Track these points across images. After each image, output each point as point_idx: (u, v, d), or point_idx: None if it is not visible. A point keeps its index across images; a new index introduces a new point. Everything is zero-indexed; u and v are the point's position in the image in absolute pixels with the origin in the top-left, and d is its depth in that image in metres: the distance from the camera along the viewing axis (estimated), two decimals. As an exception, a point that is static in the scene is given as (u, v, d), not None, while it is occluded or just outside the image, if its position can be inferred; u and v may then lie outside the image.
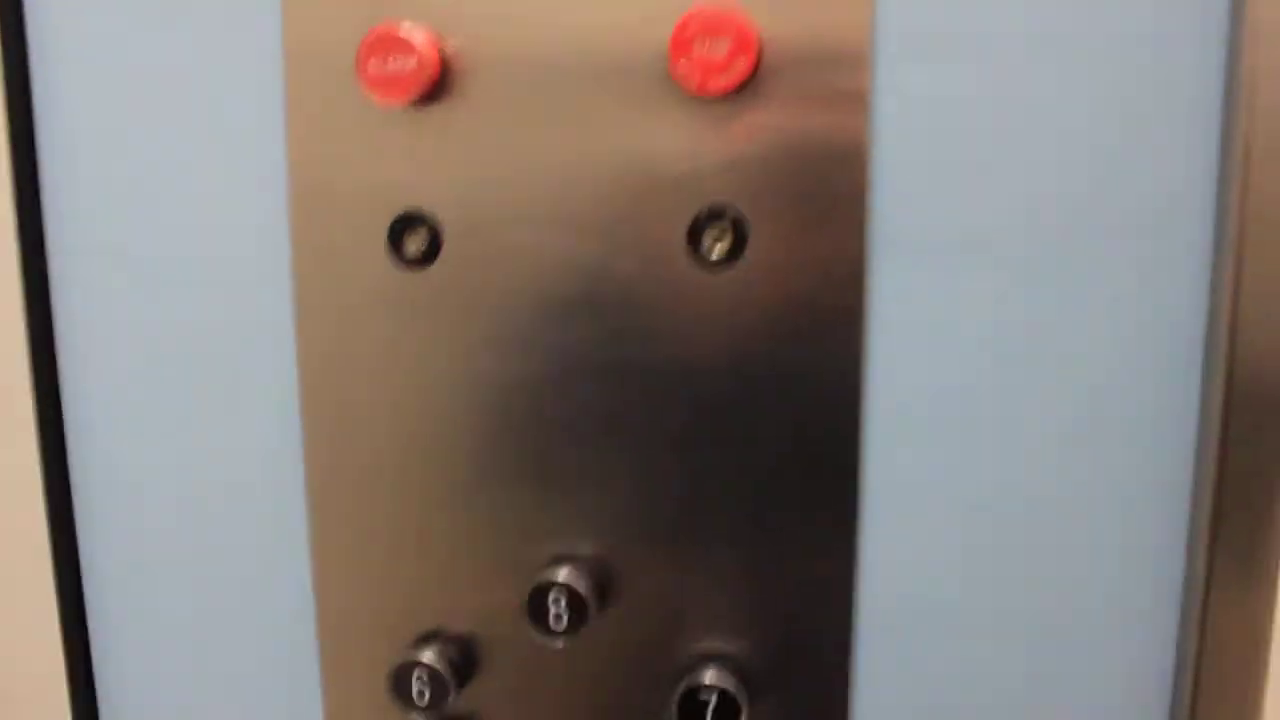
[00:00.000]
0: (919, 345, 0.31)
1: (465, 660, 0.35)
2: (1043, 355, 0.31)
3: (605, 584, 0.33)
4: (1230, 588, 0.31)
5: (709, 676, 0.32)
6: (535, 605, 0.32)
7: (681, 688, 0.33)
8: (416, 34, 0.31)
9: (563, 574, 0.33)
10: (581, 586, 0.32)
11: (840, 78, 0.30)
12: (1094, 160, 0.30)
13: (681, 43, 0.29)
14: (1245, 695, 0.32)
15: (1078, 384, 0.31)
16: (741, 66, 0.29)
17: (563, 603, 0.32)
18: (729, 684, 0.32)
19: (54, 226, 0.35)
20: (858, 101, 0.30)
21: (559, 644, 0.33)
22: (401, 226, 0.33)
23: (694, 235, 0.31)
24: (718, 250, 0.31)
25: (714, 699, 0.32)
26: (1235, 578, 0.31)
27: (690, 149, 0.31)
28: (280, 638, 0.37)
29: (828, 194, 0.31)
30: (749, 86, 0.30)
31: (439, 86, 0.31)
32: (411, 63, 0.31)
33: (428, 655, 0.34)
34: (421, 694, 0.34)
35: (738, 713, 0.32)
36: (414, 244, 0.33)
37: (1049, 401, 0.31)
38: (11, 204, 0.35)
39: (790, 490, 0.32)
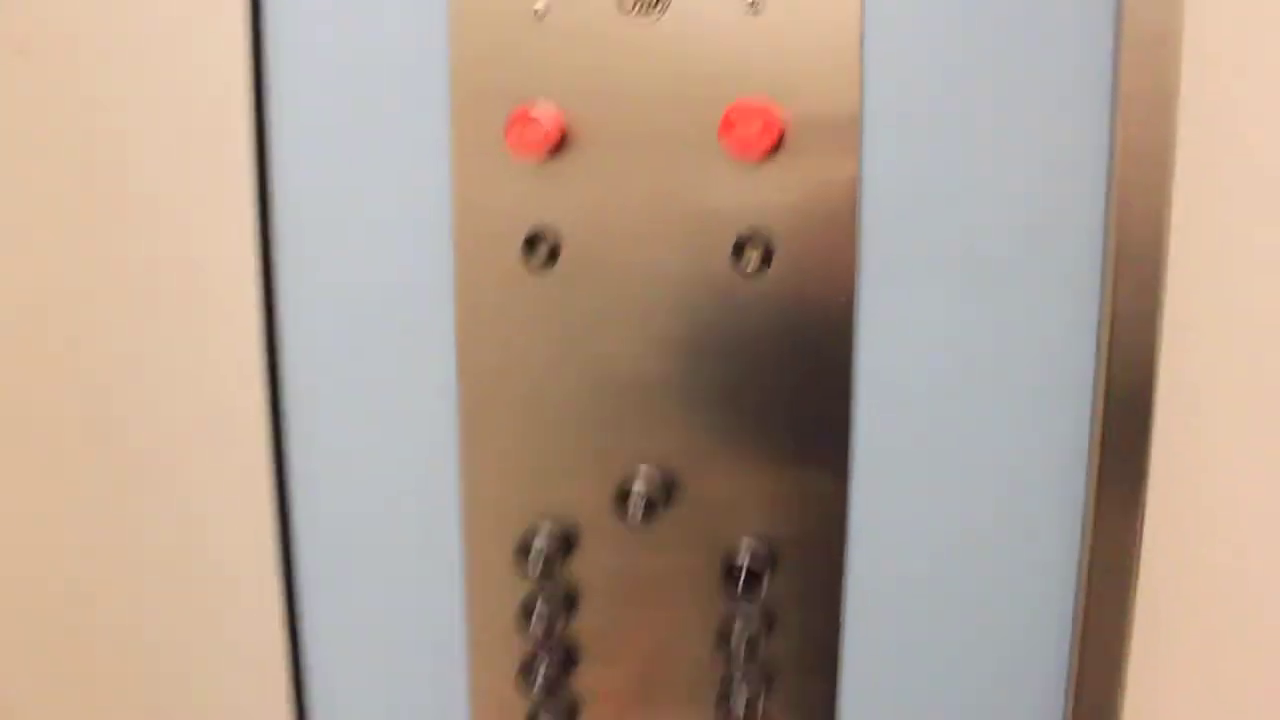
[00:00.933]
0: (894, 334, 0.45)
1: (568, 541, 0.50)
2: (976, 345, 0.45)
3: (670, 488, 0.48)
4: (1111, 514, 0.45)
5: (742, 552, 0.47)
6: (620, 501, 0.47)
7: (722, 561, 0.48)
8: (546, 111, 0.45)
9: (640, 482, 0.48)
10: (653, 490, 0.47)
11: (838, 143, 0.44)
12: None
13: (727, 125, 0.43)
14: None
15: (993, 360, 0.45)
16: (768, 141, 0.43)
17: (640, 502, 0.47)
18: (755, 556, 0.47)
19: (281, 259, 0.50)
20: (850, 156, 0.44)
21: (636, 529, 0.48)
22: (531, 241, 0.47)
23: (736, 253, 0.45)
24: (752, 264, 0.45)
25: (745, 567, 0.47)
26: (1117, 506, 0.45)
27: (734, 194, 0.45)
28: (431, 533, 0.52)
29: (830, 224, 0.45)
30: (775, 152, 0.44)
31: (560, 146, 0.46)
32: (541, 132, 0.45)
33: (543, 533, 0.49)
34: (535, 564, 0.49)
35: (760, 578, 0.47)
36: (539, 254, 0.47)
37: (974, 371, 0.45)
38: (254, 244, 0.49)
39: (800, 428, 0.47)
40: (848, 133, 0.44)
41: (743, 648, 0.48)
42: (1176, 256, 0.43)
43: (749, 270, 0.45)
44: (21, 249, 0.53)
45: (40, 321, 0.53)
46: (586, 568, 0.50)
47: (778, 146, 0.44)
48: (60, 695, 0.55)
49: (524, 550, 0.49)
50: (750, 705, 0.49)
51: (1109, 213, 0.43)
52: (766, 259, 0.45)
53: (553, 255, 0.47)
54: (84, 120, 0.51)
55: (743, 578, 0.47)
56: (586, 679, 0.51)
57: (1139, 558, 0.45)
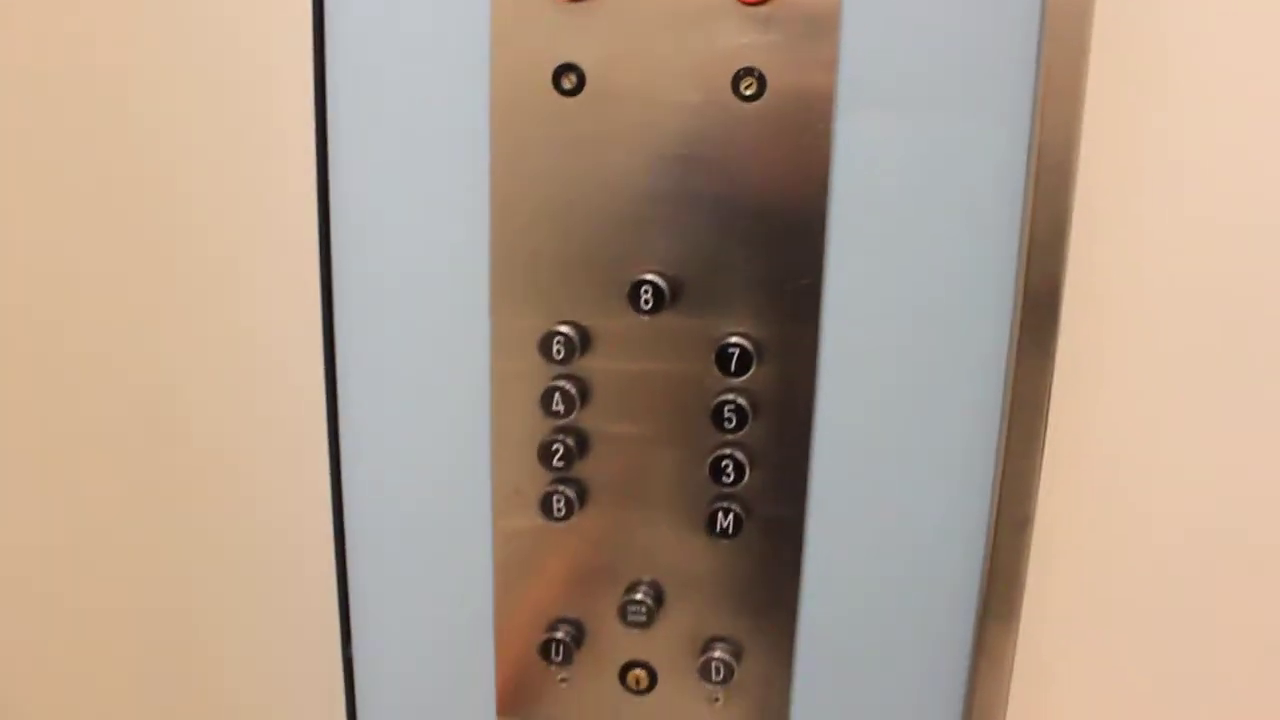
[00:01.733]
0: (864, 154, 0.55)
1: (583, 338, 0.58)
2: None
3: (674, 287, 0.57)
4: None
5: (733, 340, 0.56)
6: (633, 293, 0.56)
7: (716, 348, 0.57)
8: (581, -43, 0.54)
9: (649, 279, 0.56)
10: (661, 284, 0.56)
11: (823, -7, 0.54)
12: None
13: (735, -29, 0.53)
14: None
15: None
16: (768, -15, 0.53)
17: (649, 292, 0.56)
18: (745, 343, 0.56)
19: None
20: (833, 2, 0.54)
21: (645, 320, 0.57)
22: (560, 71, 0.56)
23: (735, 82, 0.54)
24: (750, 91, 0.54)
25: (737, 353, 0.56)
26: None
27: (735, 34, 0.54)
28: (461, 333, 0.60)
29: (814, 60, 0.54)
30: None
31: (591, -11, 0.54)
32: (576, -26, 0.54)
33: (564, 328, 0.58)
34: (558, 352, 0.58)
35: (750, 363, 0.56)
36: (568, 81, 0.56)
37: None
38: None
39: (784, 234, 0.56)
40: (830, -18, 0.53)
41: (732, 422, 0.57)
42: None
43: (746, 96, 0.54)
44: (82, 241, 0.59)
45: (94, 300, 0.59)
46: (599, 361, 0.58)
47: (773, -6, 0.53)
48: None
49: (547, 342, 0.57)
50: (738, 475, 0.57)
51: (1040, 49, 0.52)
52: (761, 88, 0.54)
53: (579, 85, 0.56)
54: (139, 107, 0.57)
55: (734, 361, 0.56)
56: (597, 464, 0.60)
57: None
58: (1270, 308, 0.55)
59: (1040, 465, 0.55)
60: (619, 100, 0.56)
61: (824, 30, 0.54)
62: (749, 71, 0.54)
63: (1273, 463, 0.57)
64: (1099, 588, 0.60)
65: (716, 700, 0.63)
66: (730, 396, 0.57)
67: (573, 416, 0.59)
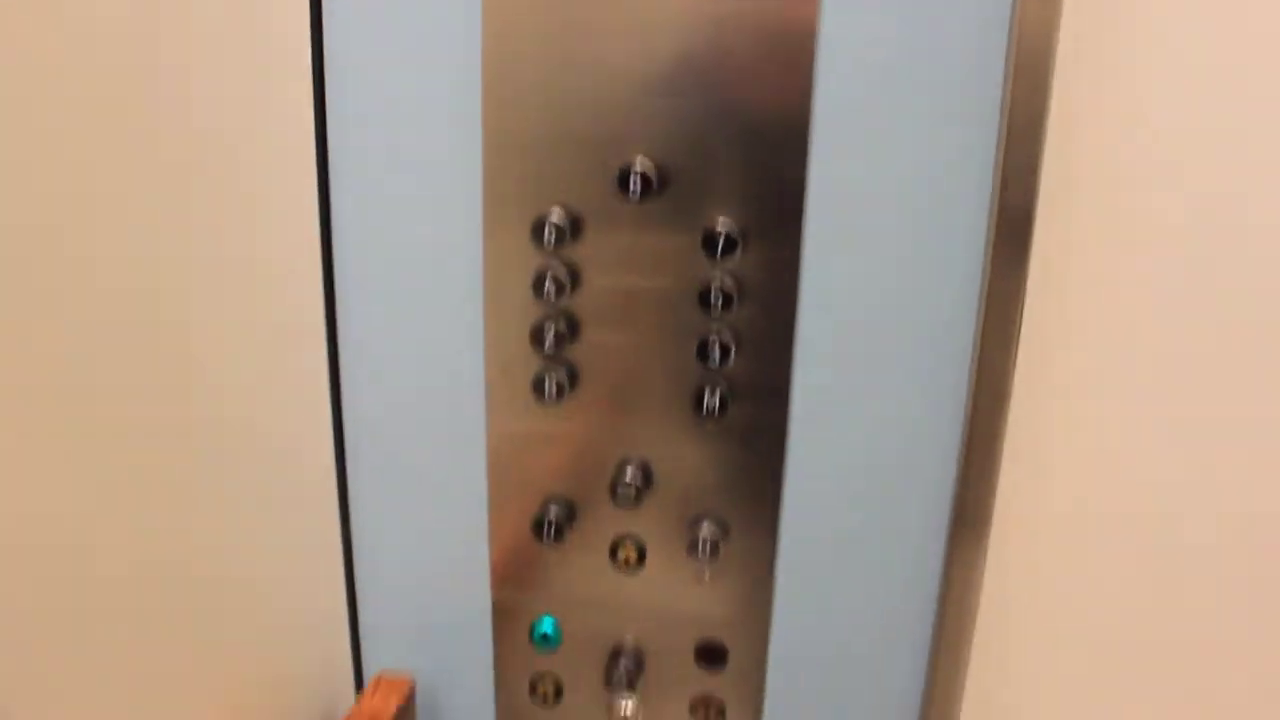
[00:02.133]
0: (848, 49, 0.55)
1: (575, 224, 0.60)
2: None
3: (662, 174, 0.58)
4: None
5: (720, 224, 0.58)
6: (622, 179, 0.57)
7: (703, 233, 0.58)
8: None
9: (637, 165, 0.57)
10: (650, 170, 0.57)
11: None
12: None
13: None
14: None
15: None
16: None
17: (638, 179, 0.57)
18: (730, 228, 0.57)
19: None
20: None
21: (634, 206, 0.58)
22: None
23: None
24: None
25: (723, 237, 0.58)
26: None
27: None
28: (455, 218, 0.61)
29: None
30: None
31: None
32: None
33: (555, 214, 0.59)
34: (549, 241, 0.59)
35: (736, 247, 0.58)
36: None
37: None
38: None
39: (769, 123, 0.57)
40: None
41: (719, 305, 0.58)
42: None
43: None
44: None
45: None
46: (589, 247, 0.60)
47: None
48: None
49: (539, 226, 0.59)
50: (724, 357, 0.59)
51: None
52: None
53: (568, -31, 0.56)
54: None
55: (720, 243, 0.58)
56: (588, 348, 0.62)
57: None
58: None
59: (1018, 342, 0.57)
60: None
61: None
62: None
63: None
64: (1070, 485, 0.62)
65: (704, 576, 0.65)
66: (717, 280, 0.58)
67: (564, 300, 0.60)
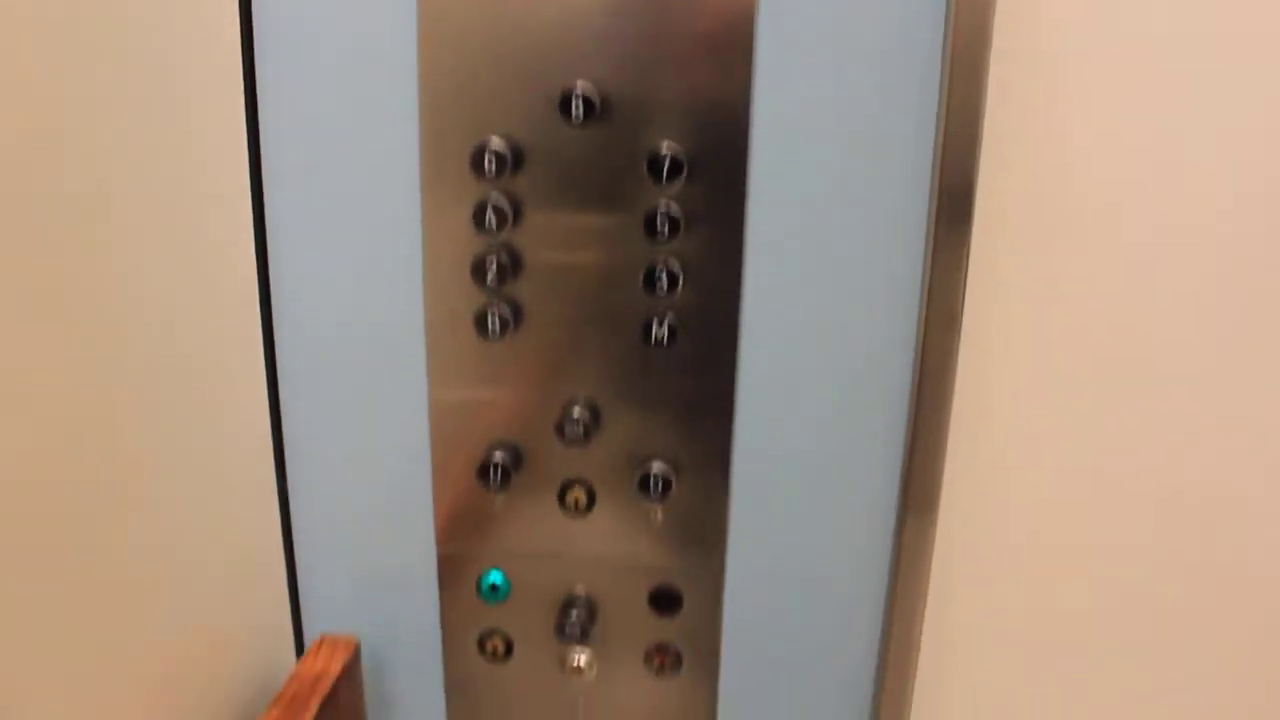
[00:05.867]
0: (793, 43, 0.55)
1: (515, 153, 0.58)
2: None
3: (604, 98, 0.57)
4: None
5: (664, 148, 0.56)
6: (564, 104, 0.56)
7: (647, 155, 0.57)
8: None
9: (578, 88, 0.56)
10: (593, 94, 0.56)
11: None
12: None
13: None
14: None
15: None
16: None
17: (581, 102, 0.56)
18: (676, 151, 0.56)
19: None
20: None
21: (576, 132, 0.56)
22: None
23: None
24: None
25: (667, 161, 0.56)
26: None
27: None
28: (392, 146, 0.59)
29: None
30: None
31: None
32: None
33: (495, 142, 0.57)
34: (490, 170, 0.57)
35: (680, 171, 0.56)
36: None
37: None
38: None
39: (712, 49, 0.56)
40: None
41: (665, 231, 0.57)
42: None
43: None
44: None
45: None
46: (531, 178, 0.58)
47: None
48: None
49: (479, 155, 0.57)
50: (671, 286, 0.58)
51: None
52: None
53: (504, -113, 0.55)
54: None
55: (665, 167, 0.56)
56: (531, 282, 0.60)
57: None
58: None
59: (967, 263, 0.56)
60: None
61: None
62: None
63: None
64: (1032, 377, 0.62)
65: (656, 517, 0.64)
66: (662, 206, 0.57)
67: (505, 233, 0.58)
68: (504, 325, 0.60)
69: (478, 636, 0.68)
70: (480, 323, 0.60)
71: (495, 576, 0.66)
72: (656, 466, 0.62)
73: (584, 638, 0.65)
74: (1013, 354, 0.60)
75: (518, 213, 0.59)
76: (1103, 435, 0.61)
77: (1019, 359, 0.60)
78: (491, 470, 0.63)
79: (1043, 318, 0.59)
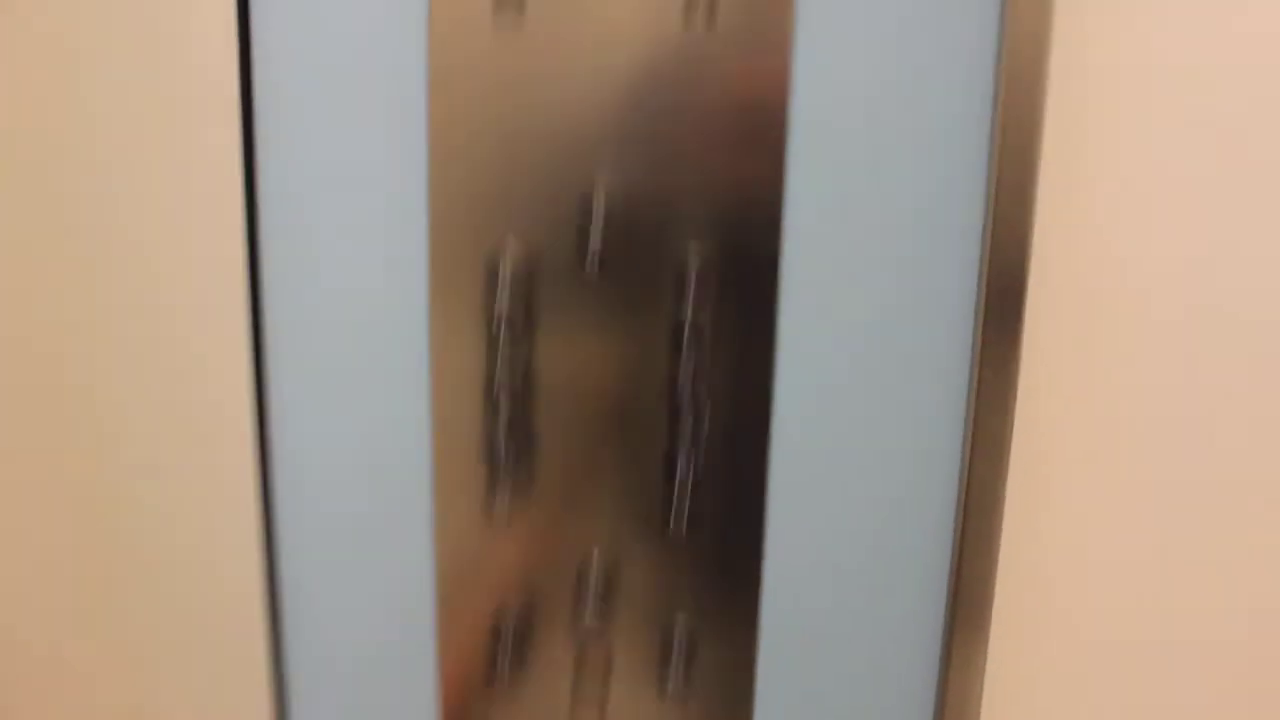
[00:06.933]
0: (826, 80, 0.53)
1: (531, 271, 0.54)
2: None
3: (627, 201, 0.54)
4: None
5: (690, 259, 0.53)
6: (580, 240, 0.53)
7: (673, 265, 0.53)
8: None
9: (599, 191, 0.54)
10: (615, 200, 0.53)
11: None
12: None
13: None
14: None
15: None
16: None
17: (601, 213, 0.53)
18: (703, 258, 0.53)
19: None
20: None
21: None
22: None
23: (688, 11, 0.54)
24: (701, 18, 0.54)
25: (694, 276, 0.53)
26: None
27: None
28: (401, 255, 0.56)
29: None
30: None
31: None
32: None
33: (508, 255, 0.54)
34: (503, 286, 0.53)
35: (707, 279, 0.53)
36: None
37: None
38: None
39: (738, 161, 0.54)
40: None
41: (689, 346, 0.53)
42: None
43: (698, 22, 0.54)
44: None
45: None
46: (545, 294, 0.55)
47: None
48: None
49: (491, 268, 0.54)
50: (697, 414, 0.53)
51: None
52: (712, 16, 0.54)
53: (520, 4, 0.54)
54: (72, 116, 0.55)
55: (692, 279, 0.53)
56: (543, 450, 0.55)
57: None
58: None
59: (1016, 382, 0.52)
60: (563, 22, 0.53)
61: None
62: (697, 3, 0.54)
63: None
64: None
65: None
66: (689, 316, 0.53)
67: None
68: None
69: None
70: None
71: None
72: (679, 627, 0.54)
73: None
74: (1067, 478, 0.55)
75: (533, 329, 0.54)
76: (1163, 563, 0.55)
77: (1072, 483, 0.55)
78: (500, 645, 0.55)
79: (1095, 437, 0.54)
